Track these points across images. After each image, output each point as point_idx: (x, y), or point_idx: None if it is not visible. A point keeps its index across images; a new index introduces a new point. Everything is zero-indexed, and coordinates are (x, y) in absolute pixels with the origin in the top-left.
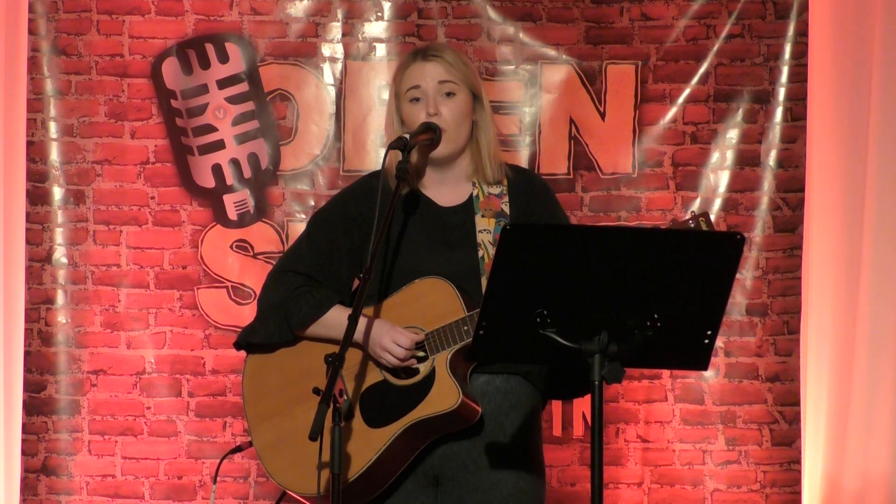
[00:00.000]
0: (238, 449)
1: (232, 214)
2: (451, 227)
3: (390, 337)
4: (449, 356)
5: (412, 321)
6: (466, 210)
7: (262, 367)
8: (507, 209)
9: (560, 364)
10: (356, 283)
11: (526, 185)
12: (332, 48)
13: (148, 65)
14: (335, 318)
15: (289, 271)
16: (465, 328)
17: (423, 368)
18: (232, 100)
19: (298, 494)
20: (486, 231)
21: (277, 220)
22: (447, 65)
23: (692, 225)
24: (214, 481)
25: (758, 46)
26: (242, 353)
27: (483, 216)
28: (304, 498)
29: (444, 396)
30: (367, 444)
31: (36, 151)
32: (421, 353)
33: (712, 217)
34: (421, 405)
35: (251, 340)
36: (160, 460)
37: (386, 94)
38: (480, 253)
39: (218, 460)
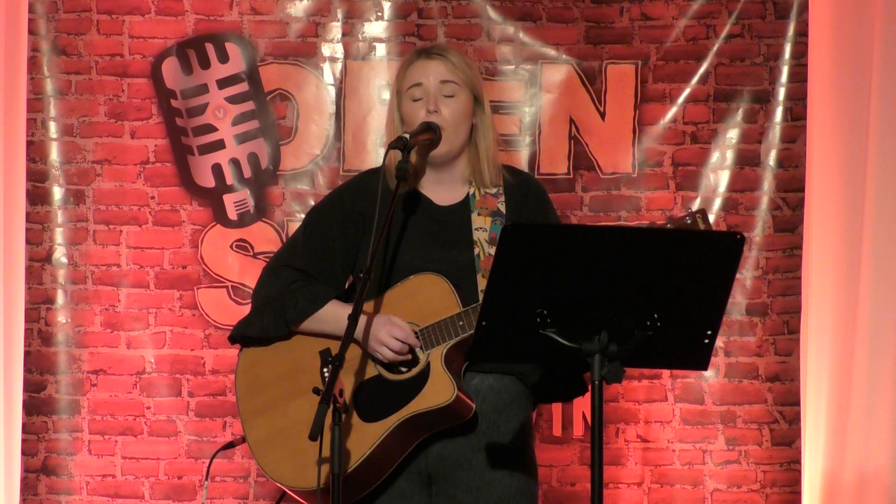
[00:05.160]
0: (230, 445)
1: (232, 214)
2: (447, 227)
3: (386, 330)
4: (444, 351)
5: (407, 317)
6: (463, 209)
7: (255, 363)
8: (503, 208)
9: (556, 366)
10: (350, 279)
11: (522, 186)
12: (332, 48)
13: (148, 65)
14: (331, 314)
15: (284, 266)
16: (461, 323)
17: (418, 363)
18: (232, 100)
19: (291, 489)
20: (481, 229)
21: (277, 220)
22: (450, 65)
23: (689, 222)
24: (206, 477)
25: (758, 46)
26: (234, 345)
27: (479, 214)
28: (297, 492)
29: (439, 391)
30: (362, 438)
31: (36, 151)
32: (417, 344)
33: (712, 217)
34: (416, 400)
35: (247, 334)
36: (160, 460)
37: (386, 94)
38: (476, 251)
39: (219, 460)
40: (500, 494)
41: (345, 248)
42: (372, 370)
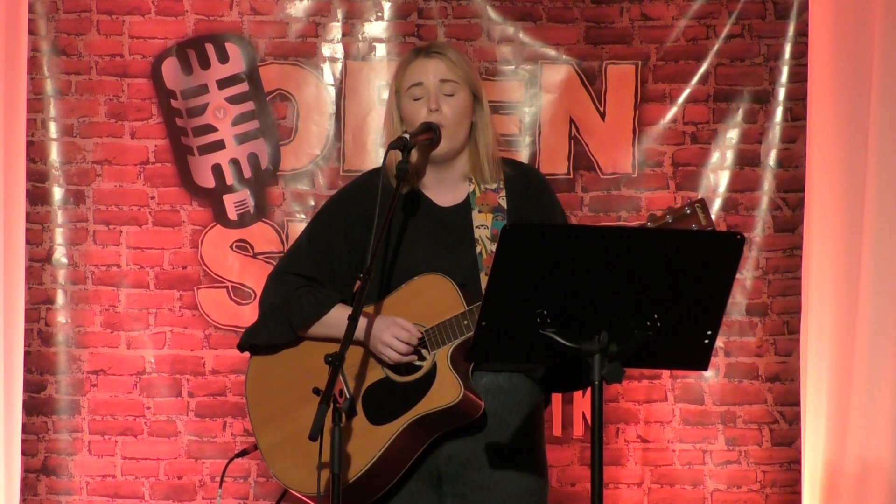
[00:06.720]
0: (244, 452)
1: (232, 214)
2: (449, 228)
3: (391, 332)
4: (450, 351)
5: (412, 318)
6: (464, 209)
7: (265, 369)
8: (504, 203)
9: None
10: (357, 282)
11: (522, 178)
12: (332, 48)
13: (148, 65)
14: (337, 318)
15: (289, 273)
16: (465, 322)
17: (425, 364)
18: (232, 100)
19: (304, 495)
20: (483, 227)
21: (277, 220)
22: (450, 63)
23: (688, 212)
24: (220, 485)
25: (758, 46)
26: (243, 354)
27: (480, 212)
28: (309, 498)
29: (445, 391)
30: (370, 441)
31: (36, 151)
32: (422, 345)
33: (712, 217)
34: (423, 401)
35: (254, 342)
36: (160, 460)
37: (386, 94)
38: (478, 249)
39: (218, 460)
40: (511, 493)
41: (350, 250)
42: (379, 373)
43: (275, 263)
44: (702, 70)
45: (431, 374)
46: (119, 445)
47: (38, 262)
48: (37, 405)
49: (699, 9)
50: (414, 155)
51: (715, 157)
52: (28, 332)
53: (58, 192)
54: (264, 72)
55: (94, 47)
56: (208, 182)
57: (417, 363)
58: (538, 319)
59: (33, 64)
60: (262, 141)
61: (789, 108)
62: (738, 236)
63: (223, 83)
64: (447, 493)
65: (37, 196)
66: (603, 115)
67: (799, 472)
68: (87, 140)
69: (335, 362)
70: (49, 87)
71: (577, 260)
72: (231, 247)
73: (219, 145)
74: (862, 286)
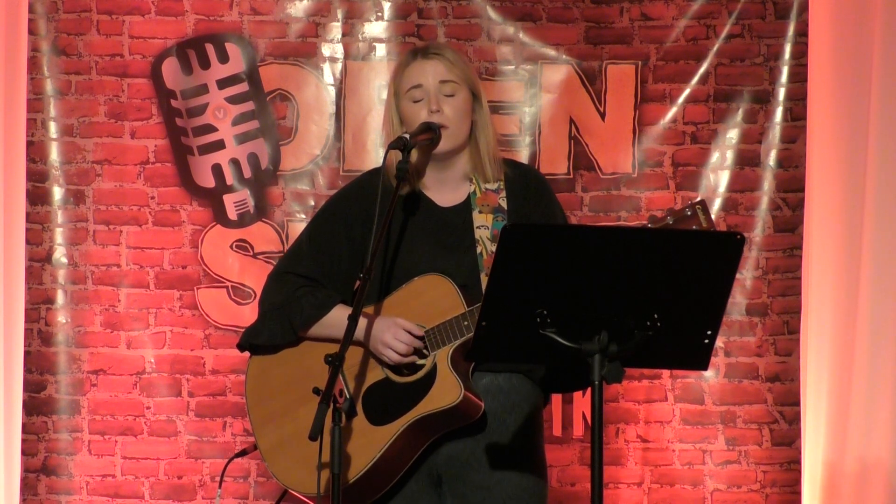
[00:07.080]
0: (243, 452)
1: (232, 214)
2: (450, 228)
3: (391, 333)
4: (450, 352)
5: (412, 318)
6: (465, 209)
7: (264, 369)
8: (504, 204)
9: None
10: (357, 282)
11: (522, 179)
12: (332, 48)
13: (148, 65)
14: (337, 318)
15: (289, 273)
16: (465, 323)
17: (425, 365)
18: (232, 100)
19: (303, 495)
20: (483, 227)
21: (277, 220)
22: (448, 63)
23: (689, 213)
24: (220, 485)
25: (758, 46)
26: (243, 353)
27: (480, 212)
28: (309, 498)
29: (446, 392)
30: (370, 442)
31: (36, 151)
32: (422, 346)
33: (712, 218)
34: (423, 401)
35: (254, 342)
36: (160, 460)
37: (386, 94)
38: (479, 249)
39: (218, 460)
40: (510, 493)
41: (350, 250)
42: (379, 373)
43: (275, 263)
44: (702, 70)
45: (431, 374)
46: (119, 445)
47: (38, 262)
48: (37, 405)
49: (699, 9)
50: (414, 155)
51: (715, 157)
52: (28, 332)
53: (58, 192)
54: (264, 72)
55: (94, 47)
56: (208, 182)
57: (417, 364)
58: (538, 319)
59: (33, 64)
60: (262, 141)
61: (789, 108)
62: (738, 236)
63: (223, 83)
64: (447, 494)
65: (37, 196)
66: (603, 115)
67: (799, 472)
68: (87, 140)
69: (335, 362)
70: (49, 87)
71: (577, 260)
72: (231, 247)
73: (219, 145)
74: (862, 286)
